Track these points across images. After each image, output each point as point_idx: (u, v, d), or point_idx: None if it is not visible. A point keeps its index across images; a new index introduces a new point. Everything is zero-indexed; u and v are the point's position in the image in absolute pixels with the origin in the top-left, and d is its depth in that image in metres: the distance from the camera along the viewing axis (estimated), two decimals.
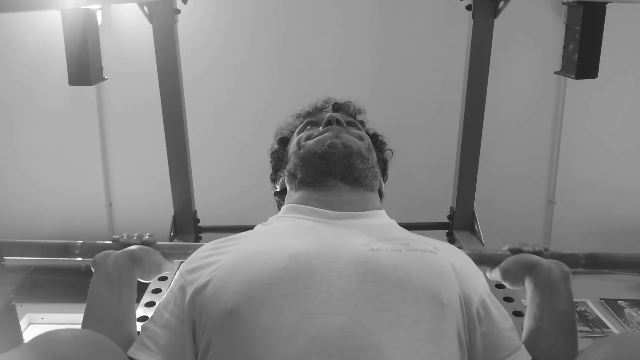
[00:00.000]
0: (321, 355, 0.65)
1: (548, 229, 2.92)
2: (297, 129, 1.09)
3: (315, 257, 0.75)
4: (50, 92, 2.63)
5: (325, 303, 0.69)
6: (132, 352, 0.77)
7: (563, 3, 1.83)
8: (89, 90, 2.62)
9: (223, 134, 2.83)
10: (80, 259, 1.07)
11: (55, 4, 1.49)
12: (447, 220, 2.21)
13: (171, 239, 2.05)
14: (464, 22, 2.02)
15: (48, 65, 2.54)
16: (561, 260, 0.92)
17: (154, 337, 0.78)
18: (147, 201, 2.70)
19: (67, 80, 1.70)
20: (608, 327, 2.37)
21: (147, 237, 0.98)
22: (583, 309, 2.50)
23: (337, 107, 1.13)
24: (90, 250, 1.02)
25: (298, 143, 1.03)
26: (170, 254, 0.99)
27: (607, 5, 1.68)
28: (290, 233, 0.85)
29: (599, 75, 1.75)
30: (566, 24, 1.78)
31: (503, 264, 0.94)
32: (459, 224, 2.18)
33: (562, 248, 1.03)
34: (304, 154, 0.98)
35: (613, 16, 1.75)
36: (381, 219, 0.94)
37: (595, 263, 1.08)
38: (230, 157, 2.84)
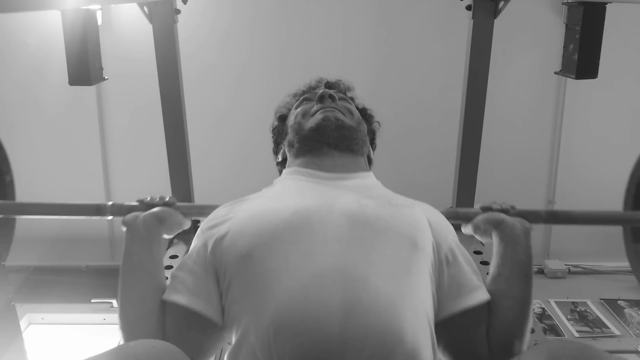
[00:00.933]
0: (321, 286, 0.80)
1: (548, 229, 2.92)
2: (294, 106, 1.21)
3: (314, 212, 0.90)
4: (51, 92, 2.63)
5: (323, 247, 0.85)
6: (165, 296, 0.91)
7: (563, 3, 1.83)
8: (89, 90, 2.61)
9: (223, 134, 2.83)
10: (111, 217, 1.22)
11: (55, 4, 1.49)
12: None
13: (172, 239, 2.05)
14: (464, 22, 2.02)
15: (48, 66, 2.54)
16: (524, 218, 1.06)
17: (182, 281, 0.91)
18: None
19: (67, 80, 1.70)
20: (608, 327, 2.36)
21: (167, 199, 1.12)
22: (583, 309, 2.50)
23: (329, 85, 1.25)
24: (119, 210, 1.16)
25: (295, 117, 1.16)
26: (189, 213, 1.12)
27: (607, 5, 1.69)
28: (293, 193, 1.00)
29: (599, 75, 1.75)
30: (566, 24, 1.78)
31: (475, 220, 1.08)
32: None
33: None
34: (300, 126, 1.12)
35: (613, 16, 1.75)
36: (369, 180, 1.09)
37: (555, 219, 1.28)
38: (230, 157, 2.84)
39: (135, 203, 1.14)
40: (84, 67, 1.67)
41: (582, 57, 1.71)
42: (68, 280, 2.79)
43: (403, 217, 0.92)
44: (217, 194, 2.62)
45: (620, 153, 2.78)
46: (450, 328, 0.91)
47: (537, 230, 3.11)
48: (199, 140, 2.38)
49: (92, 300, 2.56)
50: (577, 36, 1.70)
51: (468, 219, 1.10)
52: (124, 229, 1.02)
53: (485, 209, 1.09)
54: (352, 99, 1.25)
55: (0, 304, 1.17)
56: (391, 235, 0.88)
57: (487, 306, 0.92)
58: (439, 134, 2.69)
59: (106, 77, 1.80)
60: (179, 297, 0.89)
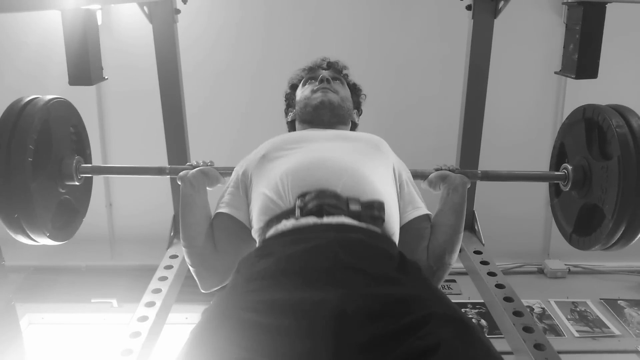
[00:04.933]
0: (316, 166, 1.19)
1: (548, 229, 2.92)
2: (302, 82, 1.59)
3: (313, 133, 1.38)
4: (51, 92, 2.62)
5: (319, 146, 1.28)
6: (215, 213, 1.31)
7: (563, 3, 1.83)
8: (89, 90, 2.62)
9: (223, 135, 2.83)
10: (170, 176, 1.74)
11: (55, 4, 1.49)
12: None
13: (171, 239, 2.06)
14: (464, 22, 2.02)
15: (48, 65, 2.54)
16: (464, 175, 1.43)
17: (223, 200, 1.31)
18: (147, 201, 2.70)
19: (67, 80, 1.70)
20: (608, 327, 2.37)
21: (209, 162, 1.50)
22: (583, 309, 2.51)
23: (329, 64, 1.62)
24: (175, 170, 1.59)
25: (302, 93, 1.54)
26: (224, 173, 1.47)
27: (607, 5, 1.68)
28: (296, 133, 1.47)
29: (599, 75, 1.75)
30: (566, 24, 1.78)
31: (429, 176, 1.47)
32: None
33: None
34: (304, 104, 1.50)
35: (613, 16, 1.75)
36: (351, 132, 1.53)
37: (487, 176, 1.69)
38: (231, 158, 2.84)
39: (186, 165, 1.51)
40: (84, 67, 1.67)
41: (582, 57, 1.71)
42: (68, 280, 2.79)
43: (372, 138, 1.37)
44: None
45: None
46: (402, 236, 1.24)
47: (537, 231, 3.12)
48: (199, 138, 2.38)
49: (92, 300, 2.56)
50: (577, 36, 1.70)
51: (425, 176, 1.48)
52: (179, 182, 1.39)
53: (437, 169, 1.48)
54: (345, 76, 1.63)
55: (0, 304, 1.17)
56: (363, 142, 1.33)
57: (431, 228, 1.29)
58: (439, 134, 2.69)
59: (106, 77, 1.80)
60: (221, 209, 1.29)
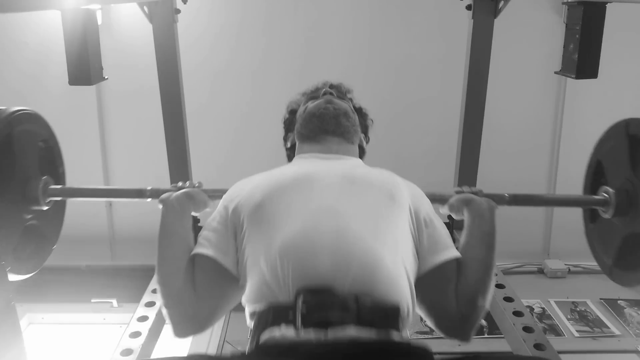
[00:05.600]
0: (316, 218, 1.01)
1: (548, 229, 2.92)
2: (302, 102, 1.43)
3: (314, 172, 1.13)
4: (51, 92, 2.63)
5: (319, 194, 1.06)
6: (194, 251, 1.11)
7: (563, 3, 1.83)
8: (89, 90, 2.61)
9: (223, 135, 2.83)
10: (150, 199, 1.46)
11: (55, 4, 1.49)
12: (447, 221, 2.21)
13: None
14: (464, 22, 2.02)
15: (48, 65, 2.54)
16: (490, 199, 1.26)
17: (206, 238, 1.12)
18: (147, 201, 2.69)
19: (67, 80, 1.70)
20: (608, 327, 2.37)
21: (196, 184, 1.36)
22: (583, 309, 2.50)
23: (332, 86, 1.46)
24: (156, 193, 1.41)
25: (304, 110, 1.37)
26: (213, 195, 1.32)
27: (607, 5, 1.68)
28: (297, 165, 1.24)
29: (599, 75, 1.75)
30: (566, 24, 1.78)
31: (450, 200, 1.30)
32: (459, 224, 2.17)
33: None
34: (306, 114, 1.34)
35: (613, 16, 1.75)
36: (359, 162, 1.32)
37: (516, 200, 1.44)
38: (231, 158, 2.84)
39: (169, 187, 1.37)
40: (84, 67, 1.67)
41: (582, 57, 1.71)
42: (68, 280, 2.78)
43: (384, 178, 1.15)
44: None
45: None
46: (426, 283, 1.07)
47: (537, 231, 3.12)
48: (199, 139, 2.38)
49: (92, 300, 2.56)
50: (577, 36, 1.70)
51: (444, 200, 1.30)
52: (160, 205, 1.23)
53: (459, 192, 1.32)
54: (350, 99, 1.46)
55: (0, 304, 1.17)
56: (374, 189, 1.10)
57: (457, 266, 1.10)
58: (439, 134, 2.69)
59: (106, 77, 1.80)
60: (203, 250, 1.09)
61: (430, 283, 1.07)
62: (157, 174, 2.36)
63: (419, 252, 1.08)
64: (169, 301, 1.09)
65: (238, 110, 2.80)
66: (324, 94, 1.38)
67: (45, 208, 1.49)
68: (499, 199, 1.37)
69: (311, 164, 1.22)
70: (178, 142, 2.11)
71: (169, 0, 1.91)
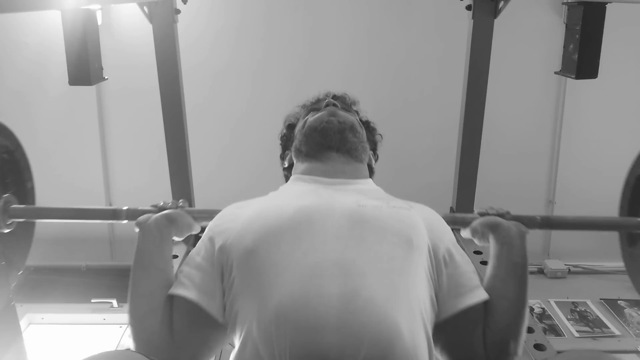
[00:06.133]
0: (319, 279, 0.83)
1: (548, 229, 2.91)
2: (302, 116, 1.27)
3: (315, 211, 0.94)
4: (51, 92, 2.63)
5: (323, 244, 0.88)
6: (173, 290, 0.94)
7: (563, 3, 1.83)
8: (89, 90, 2.61)
9: (223, 134, 2.83)
10: (126, 221, 1.28)
11: (55, 4, 1.49)
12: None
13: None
14: (464, 22, 2.01)
15: (48, 65, 2.54)
16: (520, 222, 1.10)
17: (189, 276, 0.95)
18: (147, 201, 2.68)
19: (67, 80, 1.70)
20: (608, 327, 2.36)
21: (180, 203, 1.19)
22: (583, 309, 2.50)
23: (335, 97, 1.29)
24: (134, 214, 1.22)
25: (304, 124, 1.20)
26: (199, 217, 1.16)
27: (607, 5, 1.68)
28: (296, 195, 1.04)
29: (599, 75, 1.75)
30: (566, 24, 1.78)
31: (472, 224, 1.13)
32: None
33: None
34: (307, 129, 1.17)
35: (613, 16, 1.75)
36: (369, 186, 1.14)
37: (549, 224, 1.30)
38: (231, 158, 2.84)
39: (149, 207, 1.19)
40: (84, 67, 1.67)
41: (582, 57, 1.71)
42: (68, 280, 2.78)
43: (399, 217, 0.95)
44: (217, 194, 2.63)
45: (620, 153, 2.78)
46: (448, 328, 0.93)
47: (538, 231, 3.12)
48: (199, 140, 2.38)
49: (92, 300, 2.56)
50: (577, 36, 1.70)
51: (466, 223, 1.15)
52: (137, 229, 1.06)
53: (483, 214, 1.16)
54: (356, 112, 1.31)
55: (0, 304, 1.17)
56: (387, 235, 0.91)
57: (484, 306, 0.94)
58: (439, 134, 2.69)
59: (106, 77, 1.80)
60: (185, 292, 0.93)
61: (453, 329, 0.93)
62: (157, 174, 2.36)
63: (438, 296, 0.93)
64: (140, 346, 0.92)
65: (237, 111, 2.80)
66: (327, 105, 1.21)
67: (6, 231, 1.31)
68: (530, 222, 1.21)
69: (312, 195, 1.02)
70: (178, 142, 2.11)
71: (169, 0, 1.91)
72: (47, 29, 2.48)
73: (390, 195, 1.10)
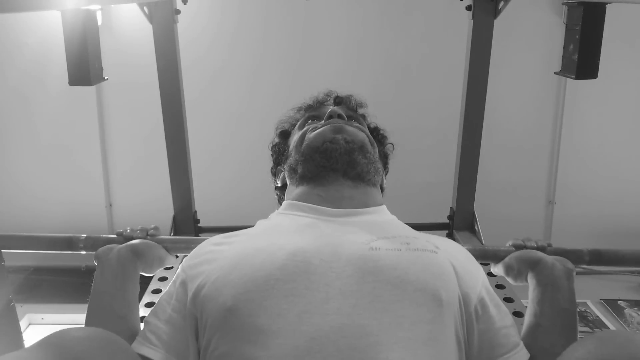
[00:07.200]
0: (319, 355, 0.64)
1: (548, 229, 2.91)
2: (299, 124, 1.07)
3: (314, 256, 0.74)
4: (51, 92, 2.63)
5: (324, 303, 0.68)
6: (135, 346, 0.76)
7: (563, 3, 1.83)
8: (89, 91, 2.61)
9: (224, 134, 2.83)
10: (84, 252, 1.08)
11: (55, 4, 1.49)
12: (447, 221, 2.21)
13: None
14: (464, 22, 2.02)
15: (48, 66, 2.54)
16: (565, 257, 0.91)
17: (156, 331, 0.77)
18: (147, 201, 2.69)
19: (67, 80, 1.70)
20: (608, 328, 2.36)
21: (151, 230, 0.98)
22: (583, 309, 2.50)
23: (339, 100, 1.10)
24: (94, 244, 1.04)
25: (301, 138, 1.00)
26: (173, 248, 0.98)
27: (607, 5, 1.68)
28: (290, 230, 0.83)
29: (599, 75, 1.74)
30: (566, 24, 1.78)
31: (506, 259, 0.93)
32: (459, 224, 2.17)
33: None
34: (305, 149, 0.96)
35: (613, 16, 1.75)
36: (382, 216, 0.92)
37: (599, 259, 1.06)
38: (231, 158, 2.84)
39: (112, 236, 1.01)
40: (84, 67, 1.67)
41: (582, 57, 1.71)
42: (68, 280, 2.78)
43: (424, 266, 0.74)
44: (218, 194, 2.63)
45: (621, 153, 2.79)
46: None
47: (538, 230, 3.12)
48: (200, 141, 2.38)
49: None
50: (577, 36, 1.70)
51: (498, 258, 0.96)
52: (96, 263, 0.91)
53: (518, 247, 0.95)
54: (363, 116, 1.12)
55: (0, 304, 1.17)
56: (409, 291, 0.70)
57: None
58: (439, 134, 2.69)
59: (106, 78, 1.80)
60: (151, 352, 0.75)
61: None
62: (157, 174, 2.36)
63: (468, 356, 0.76)
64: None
65: (235, 110, 2.80)
66: (330, 117, 0.98)
67: None
68: (576, 258, 0.99)
69: (310, 232, 0.81)
70: (178, 142, 2.11)
71: (169, 0, 1.91)
72: (47, 29, 2.48)
73: (408, 226, 0.90)
